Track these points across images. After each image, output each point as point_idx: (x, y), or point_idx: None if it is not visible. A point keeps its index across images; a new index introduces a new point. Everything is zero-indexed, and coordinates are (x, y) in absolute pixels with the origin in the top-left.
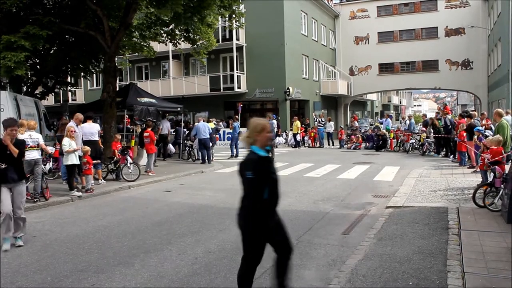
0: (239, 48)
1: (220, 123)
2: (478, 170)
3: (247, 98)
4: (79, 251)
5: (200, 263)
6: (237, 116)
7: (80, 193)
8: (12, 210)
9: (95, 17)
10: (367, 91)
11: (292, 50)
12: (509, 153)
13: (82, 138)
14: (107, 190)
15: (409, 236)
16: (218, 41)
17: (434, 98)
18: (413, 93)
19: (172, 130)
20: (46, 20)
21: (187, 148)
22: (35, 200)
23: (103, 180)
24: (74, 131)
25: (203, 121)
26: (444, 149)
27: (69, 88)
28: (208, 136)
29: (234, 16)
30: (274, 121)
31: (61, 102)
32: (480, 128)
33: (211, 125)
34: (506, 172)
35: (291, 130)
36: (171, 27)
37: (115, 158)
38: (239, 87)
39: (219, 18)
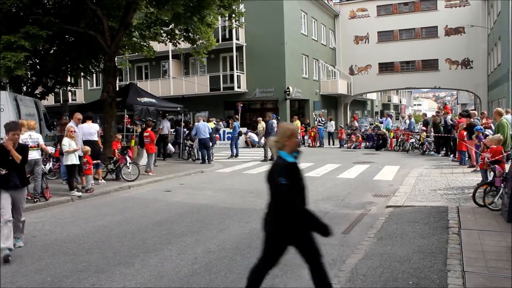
0: (239, 48)
1: (220, 123)
2: (478, 169)
3: (247, 98)
4: (79, 251)
5: (200, 263)
6: (237, 116)
7: (80, 193)
8: (12, 215)
9: (95, 17)
10: (367, 90)
11: (292, 49)
12: (509, 152)
13: (82, 138)
14: (107, 190)
15: (409, 235)
16: (218, 41)
17: (434, 98)
18: (413, 92)
19: (172, 130)
20: (46, 20)
21: (187, 148)
22: (35, 200)
23: (103, 180)
24: (74, 131)
25: (203, 120)
26: (444, 149)
27: (69, 88)
28: (208, 136)
29: (234, 15)
30: (274, 121)
31: (61, 102)
32: (480, 127)
33: (211, 124)
34: (506, 171)
35: None
36: (170, 27)
37: (114, 158)
38: (239, 87)
39: (219, 18)
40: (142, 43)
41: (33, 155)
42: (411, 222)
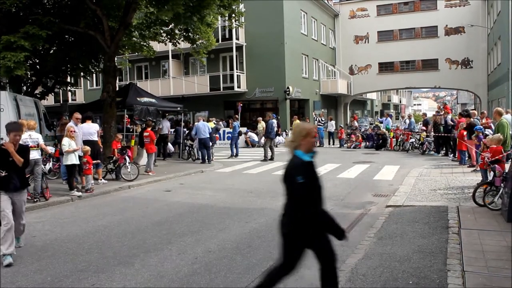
0: (239, 48)
1: (220, 123)
2: (478, 169)
3: (247, 98)
4: (79, 251)
5: (200, 262)
6: (237, 116)
7: (80, 193)
8: (13, 219)
9: (94, 17)
10: (367, 90)
11: (292, 49)
12: (509, 152)
13: (82, 138)
14: (107, 190)
15: (409, 235)
16: (217, 41)
17: (434, 97)
18: (413, 92)
19: (172, 129)
20: (45, 20)
21: (187, 148)
22: (35, 200)
23: (103, 180)
24: (74, 131)
25: (203, 120)
26: (444, 148)
27: (69, 88)
28: (208, 136)
29: (233, 15)
30: (274, 121)
31: (61, 102)
32: (480, 127)
33: (211, 124)
34: (506, 171)
35: (291, 129)
36: (170, 26)
37: (114, 158)
38: (239, 87)
39: (219, 18)
40: (142, 43)
41: (33, 155)
42: (411, 222)
